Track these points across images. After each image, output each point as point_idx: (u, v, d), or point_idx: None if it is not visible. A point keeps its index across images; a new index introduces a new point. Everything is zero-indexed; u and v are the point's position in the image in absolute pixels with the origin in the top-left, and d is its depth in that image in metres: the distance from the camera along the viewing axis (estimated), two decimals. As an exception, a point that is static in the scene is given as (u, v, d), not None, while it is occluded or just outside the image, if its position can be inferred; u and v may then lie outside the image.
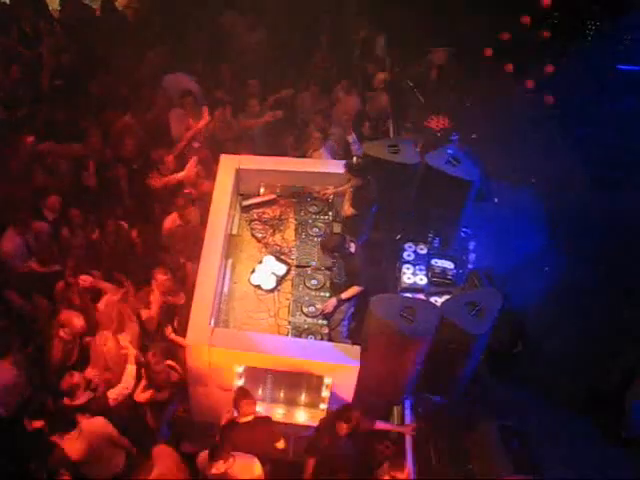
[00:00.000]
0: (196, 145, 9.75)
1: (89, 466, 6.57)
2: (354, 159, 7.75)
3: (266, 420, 6.79)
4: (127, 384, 7.01)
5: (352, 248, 7.23)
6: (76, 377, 6.80)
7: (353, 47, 12.16)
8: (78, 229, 8.58)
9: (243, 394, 6.60)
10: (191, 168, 9.20)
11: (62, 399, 6.75)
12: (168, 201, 8.98)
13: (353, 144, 9.70)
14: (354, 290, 7.23)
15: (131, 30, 11.80)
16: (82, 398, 6.80)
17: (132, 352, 7.09)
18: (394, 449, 7.25)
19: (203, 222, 8.11)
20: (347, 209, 7.78)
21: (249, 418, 6.58)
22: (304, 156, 9.54)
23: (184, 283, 8.07)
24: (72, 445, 6.41)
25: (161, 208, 9.06)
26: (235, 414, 6.65)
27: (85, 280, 7.80)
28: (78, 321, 7.37)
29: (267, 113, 10.28)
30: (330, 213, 8.34)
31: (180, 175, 9.19)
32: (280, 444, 6.73)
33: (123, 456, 6.82)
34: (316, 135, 9.70)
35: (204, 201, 8.45)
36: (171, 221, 8.73)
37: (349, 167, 7.63)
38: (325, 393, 7.03)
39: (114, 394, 6.95)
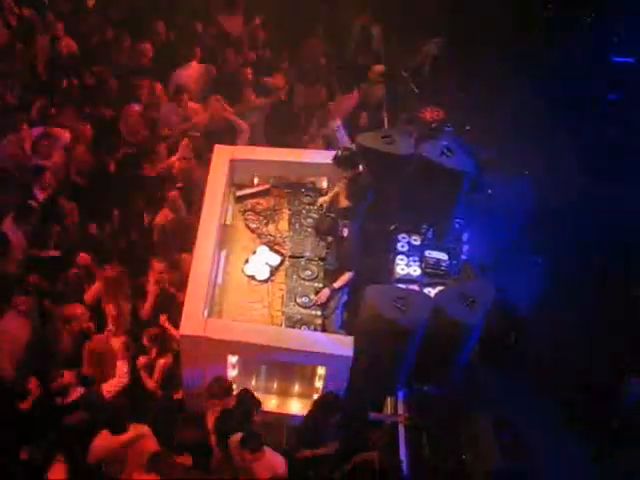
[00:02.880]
0: (193, 134, 9.77)
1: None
2: (339, 152, 7.69)
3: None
4: (121, 378, 7.06)
5: (345, 232, 7.24)
6: (66, 376, 6.84)
7: (349, 37, 12.14)
8: (71, 218, 8.58)
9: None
10: (183, 151, 9.19)
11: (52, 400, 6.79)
12: (159, 190, 8.97)
13: (338, 130, 9.68)
14: (346, 277, 7.25)
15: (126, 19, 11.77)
16: (74, 395, 6.82)
17: (120, 346, 7.17)
18: (386, 440, 7.28)
19: (194, 211, 8.13)
20: (342, 201, 7.74)
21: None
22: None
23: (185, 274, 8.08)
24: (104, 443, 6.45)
25: (151, 199, 9.08)
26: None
27: (84, 258, 7.90)
28: (81, 312, 7.44)
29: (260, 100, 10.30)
30: (324, 205, 8.33)
31: (173, 158, 9.18)
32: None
33: None
34: (315, 130, 9.73)
35: (196, 191, 8.45)
36: (163, 217, 8.72)
37: (336, 160, 7.60)
38: (318, 383, 7.05)
39: (109, 387, 6.98)
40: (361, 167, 7.55)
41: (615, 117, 11.04)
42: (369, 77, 11.13)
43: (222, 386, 6.68)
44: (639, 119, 10.99)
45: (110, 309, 7.61)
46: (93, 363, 7.31)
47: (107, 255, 8.35)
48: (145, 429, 6.60)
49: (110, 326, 7.54)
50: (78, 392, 6.90)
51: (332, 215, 7.69)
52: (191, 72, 10.73)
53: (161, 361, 7.31)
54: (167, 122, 10.09)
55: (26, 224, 8.32)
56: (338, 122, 9.91)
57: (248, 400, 6.65)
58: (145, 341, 7.38)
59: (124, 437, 6.46)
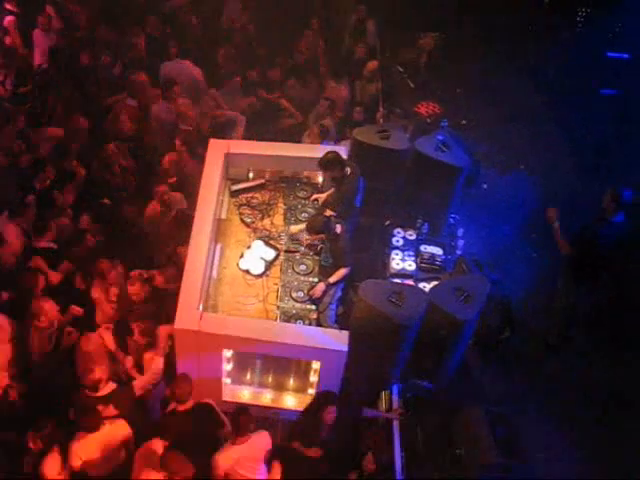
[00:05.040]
0: (184, 128, 9.72)
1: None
2: (323, 155, 7.56)
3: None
4: (155, 374, 6.92)
5: (338, 229, 7.24)
6: (97, 373, 6.73)
7: (344, 31, 12.12)
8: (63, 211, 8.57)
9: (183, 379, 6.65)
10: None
11: (85, 394, 6.70)
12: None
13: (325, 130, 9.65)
14: (341, 273, 7.22)
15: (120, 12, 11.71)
16: (105, 390, 6.77)
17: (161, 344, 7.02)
18: (380, 435, 7.28)
19: (190, 205, 8.12)
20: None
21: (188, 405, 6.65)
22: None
23: (180, 267, 8.06)
24: (85, 448, 6.32)
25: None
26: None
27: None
28: (50, 307, 7.30)
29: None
30: (319, 201, 8.31)
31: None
32: (226, 428, 6.68)
33: (124, 452, 6.67)
34: (315, 126, 9.77)
35: (190, 184, 8.42)
36: (151, 209, 8.70)
37: (321, 163, 7.55)
38: (313, 378, 7.05)
39: (142, 383, 6.88)
40: (348, 170, 7.52)
41: (610, 113, 11.04)
42: (363, 74, 11.11)
43: (185, 391, 6.62)
44: (633, 114, 11.02)
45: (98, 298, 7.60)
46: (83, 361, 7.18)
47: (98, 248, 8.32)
48: (122, 423, 6.51)
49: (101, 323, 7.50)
50: (110, 388, 6.80)
51: (326, 213, 7.67)
52: (180, 67, 10.63)
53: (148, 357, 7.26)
54: (159, 118, 10.02)
55: (22, 218, 8.29)
56: (327, 120, 9.87)
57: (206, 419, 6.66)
58: (136, 335, 7.36)
59: (100, 433, 6.34)
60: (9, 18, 10.67)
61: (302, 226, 7.75)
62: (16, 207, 8.35)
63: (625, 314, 8.75)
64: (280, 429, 7.26)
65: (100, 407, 6.50)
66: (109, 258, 7.88)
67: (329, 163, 7.51)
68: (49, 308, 7.28)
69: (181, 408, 6.59)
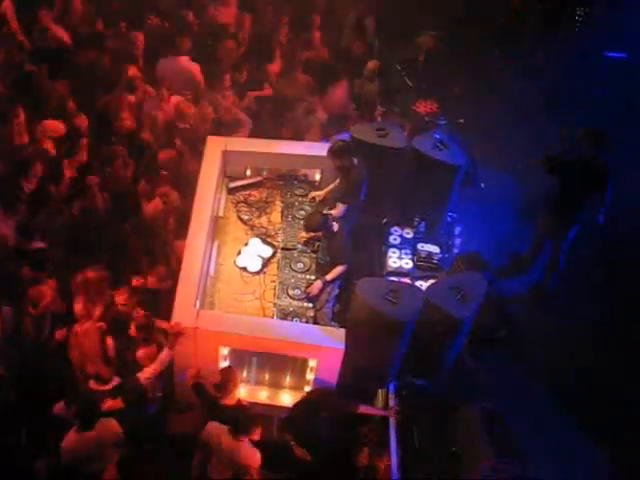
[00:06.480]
0: (182, 126, 9.70)
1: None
2: (333, 144, 7.57)
3: None
4: (161, 364, 6.82)
5: (335, 227, 7.24)
6: (104, 366, 6.76)
7: (343, 29, 12.11)
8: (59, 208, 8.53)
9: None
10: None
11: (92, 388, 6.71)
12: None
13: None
14: (338, 270, 7.23)
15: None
16: (113, 382, 6.76)
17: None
18: (376, 433, 7.28)
19: (187, 201, 8.11)
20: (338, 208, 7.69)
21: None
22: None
23: (171, 265, 8.06)
24: (73, 442, 6.30)
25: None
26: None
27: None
28: (47, 294, 7.27)
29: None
30: (317, 198, 8.31)
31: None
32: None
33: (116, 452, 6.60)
34: (318, 118, 9.74)
35: (188, 182, 8.42)
36: (152, 208, 8.67)
37: (331, 152, 7.55)
38: (310, 375, 7.05)
39: (147, 374, 6.78)
40: (355, 161, 7.52)
41: (607, 112, 11.05)
42: (363, 73, 11.10)
43: (227, 380, 6.67)
44: (630, 113, 11.02)
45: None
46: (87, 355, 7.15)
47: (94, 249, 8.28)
48: (113, 422, 6.44)
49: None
50: (116, 380, 6.83)
51: (323, 211, 7.66)
52: (176, 65, 10.58)
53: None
54: (149, 115, 9.98)
55: (16, 214, 8.25)
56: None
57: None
58: (132, 332, 7.33)
59: (90, 434, 6.28)
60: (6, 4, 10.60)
61: (323, 192, 7.97)
62: (10, 202, 8.31)
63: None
64: (276, 423, 7.27)
65: (108, 400, 6.53)
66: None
67: (340, 151, 7.49)
68: (45, 296, 7.26)
69: (227, 402, 6.65)
